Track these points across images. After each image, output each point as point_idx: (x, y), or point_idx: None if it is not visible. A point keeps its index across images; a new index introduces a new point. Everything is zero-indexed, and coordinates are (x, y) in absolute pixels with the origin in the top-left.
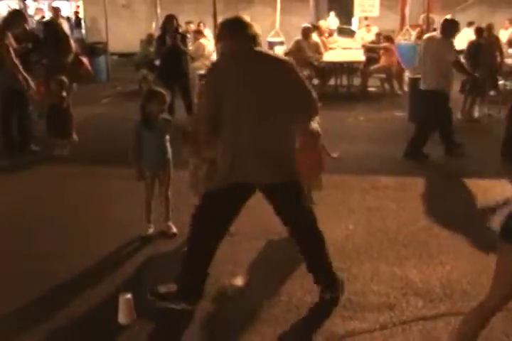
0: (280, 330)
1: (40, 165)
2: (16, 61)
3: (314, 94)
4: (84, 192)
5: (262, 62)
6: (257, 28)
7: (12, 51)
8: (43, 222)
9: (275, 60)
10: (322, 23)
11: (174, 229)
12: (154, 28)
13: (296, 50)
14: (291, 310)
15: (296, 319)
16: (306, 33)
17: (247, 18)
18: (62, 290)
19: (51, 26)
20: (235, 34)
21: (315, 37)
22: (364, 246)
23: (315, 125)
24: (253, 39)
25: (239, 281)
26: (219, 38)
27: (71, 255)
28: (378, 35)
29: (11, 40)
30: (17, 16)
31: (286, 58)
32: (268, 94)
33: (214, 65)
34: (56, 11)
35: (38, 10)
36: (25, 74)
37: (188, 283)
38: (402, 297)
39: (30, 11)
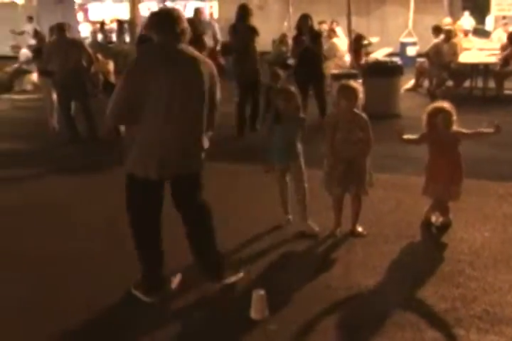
0: (411, 335)
1: None
2: None
3: (218, 107)
4: (217, 188)
5: (180, 59)
6: (186, 24)
7: None
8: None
9: (195, 59)
10: (457, 24)
11: (316, 228)
12: (286, 27)
13: (434, 53)
14: (424, 316)
15: (429, 325)
16: (449, 35)
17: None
18: (193, 282)
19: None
20: (161, 28)
21: None
22: (500, 255)
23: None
24: (179, 35)
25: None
26: (147, 28)
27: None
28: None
29: None
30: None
31: (206, 60)
32: (179, 91)
33: (137, 58)
34: (198, 12)
35: None
36: None
37: (143, 274)
38: None
39: None
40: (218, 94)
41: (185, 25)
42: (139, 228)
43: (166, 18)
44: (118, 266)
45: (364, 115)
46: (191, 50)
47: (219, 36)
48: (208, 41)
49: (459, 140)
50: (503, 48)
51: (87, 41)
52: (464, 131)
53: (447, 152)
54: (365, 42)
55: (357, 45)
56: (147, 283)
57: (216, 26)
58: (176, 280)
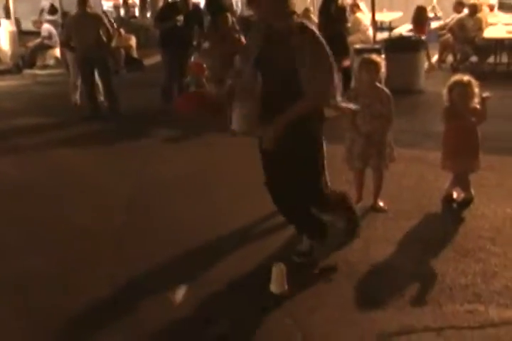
0: (430, 310)
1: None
2: None
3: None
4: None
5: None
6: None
7: None
8: (201, 187)
9: (286, 31)
10: None
11: None
12: (309, 1)
13: (458, 28)
14: (444, 291)
15: (449, 300)
16: (474, 9)
17: None
18: (214, 256)
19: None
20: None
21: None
22: None
23: None
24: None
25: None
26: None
27: (224, 219)
28: None
29: None
30: None
31: (305, 31)
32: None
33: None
34: None
35: None
36: None
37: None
38: None
39: None
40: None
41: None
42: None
43: None
44: (139, 239)
45: (386, 89)
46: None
47: (238, 9)
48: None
49: (475, 114)
50: None
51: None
52: (479, 107)
53: (464, 124)
54: (431, 14)
55: (419, 17)
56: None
57: (239, 2)
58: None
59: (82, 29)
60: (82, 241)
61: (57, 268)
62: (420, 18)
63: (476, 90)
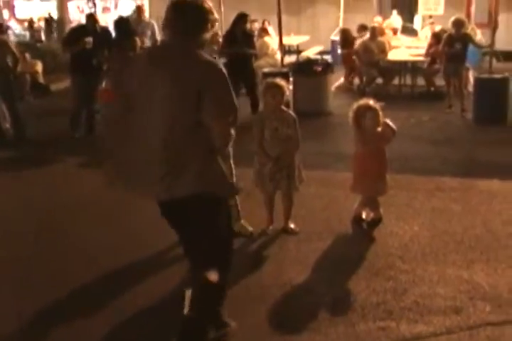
0: (343, 330)
1: None
2: None
3: (229, 109)
4: None
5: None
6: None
7: None
8: (107, 214)
9: (197, 62)
10: (386, 22)
11: (250, 228)
12: (218, 25)
13: (363, 51)
14: (356, 310)
15: (361, 319)
16: (375, 33)
17: None
18: (127, 283)
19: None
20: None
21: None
22: (429, 248)
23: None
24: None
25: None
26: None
27: (135, 245)
28: (434, 34)
29: None
30: None
31: (212, 61)
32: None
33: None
34: (140, 10)
35: (106, 9)
36: None
37: None
38: (469, 301)
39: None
40: (224, 101)
41: (194, 18)
42: None
43: (170, 9)
44: (48, 268)
45: (292, 112)
46: (188, 49)
47: (158, 36)
48: (147, 41)
49: (383, 137)
50: (430, 46)
51: (14, 39)
52: (385, 129)
53: (373, 148)
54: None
55: (348, 39)
56: None
57: (155, 26)
58: None
59: None
60: None
61: None
62: (347, 40)
63: (380, 113)
